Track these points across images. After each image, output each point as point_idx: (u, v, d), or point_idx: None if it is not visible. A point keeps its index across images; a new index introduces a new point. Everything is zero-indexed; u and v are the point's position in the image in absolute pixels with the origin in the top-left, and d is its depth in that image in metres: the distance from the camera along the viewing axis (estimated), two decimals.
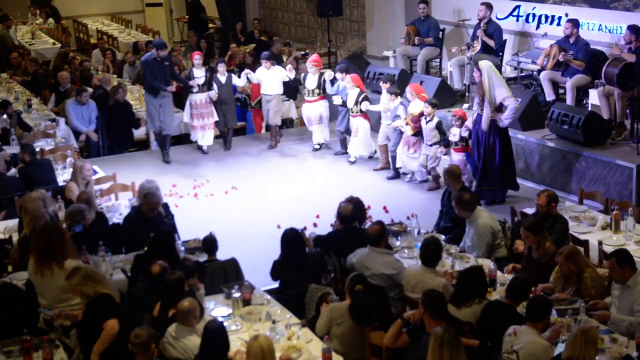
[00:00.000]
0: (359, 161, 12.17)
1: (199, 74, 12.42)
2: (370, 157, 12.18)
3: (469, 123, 10.37)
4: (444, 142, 10.63)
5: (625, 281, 6.41)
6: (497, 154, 10.08)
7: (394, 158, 11.47)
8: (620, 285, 6.48)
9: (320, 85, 12.36)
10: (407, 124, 10.95)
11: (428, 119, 10.69)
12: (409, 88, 11.15)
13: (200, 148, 12.92)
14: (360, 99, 11.70)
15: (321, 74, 12.42)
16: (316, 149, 12.88)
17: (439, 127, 10.69)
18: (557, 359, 5.63)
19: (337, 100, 12.09)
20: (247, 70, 13.01)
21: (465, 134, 10.38)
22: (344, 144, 12.51)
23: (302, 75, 12.68)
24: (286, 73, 12.69)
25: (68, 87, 13.75)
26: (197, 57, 12.56)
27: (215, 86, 12.50)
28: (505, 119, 9.93)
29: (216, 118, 12.66)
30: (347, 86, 11.84)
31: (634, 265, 6.46)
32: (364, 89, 11.99)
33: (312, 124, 12.69)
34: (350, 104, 11.85)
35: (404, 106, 11.17)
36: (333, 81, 12.17)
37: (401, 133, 11.15)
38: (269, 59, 12.79)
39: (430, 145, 10.78)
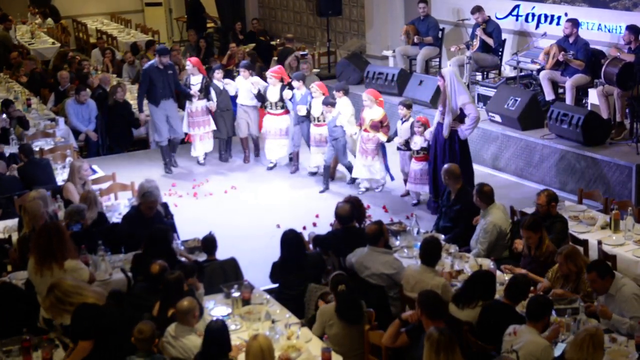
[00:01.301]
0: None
1: (196, 81, 12.05)
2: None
3: (427, 134, 9.99)
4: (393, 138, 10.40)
5: (607, 291, 6.41)
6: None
7: (327, 169, 11.09)
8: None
9: (282, 97, 11.73)
10: (364, 130, 10.61)
11: (404, 120, 10.48)
12: (367, 94, 10.71)
13: (198, 162, 12.45)
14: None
15: (283, 86, 11.72)
16: (270, 168, 12.15)
17: (412, 127, 10.33)
18: (559, 359, 5.64)
19: (302, 111, 11.38)
20: (226, 81, 12.33)
21: (424, 144, 10.08)
22: (297, 158, 11.94)
23: (264, 87, 11.92)
24: (250, 88, 11.97)
25: (67, 86, 13.75)
26: (189, 64, 12.12)
27: (213, 94, 12.11)
28: (466, 129, 9.63)
29: (213, 127, 12.23)
30: (315, 95, 11.25)
31: (613, 273, 6.46)
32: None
33: (272, 137, 11.93)
34: (316, 112, 11.28)
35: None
36: (292, 98, 11.56)
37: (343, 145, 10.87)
38: (248, 68, 12.18)
39: (401, 149, 10.56)
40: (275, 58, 16.49)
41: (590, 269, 6.46)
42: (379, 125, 10.53)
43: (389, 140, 10.61)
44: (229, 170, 12.19)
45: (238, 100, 12.31)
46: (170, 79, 11.92)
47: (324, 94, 11.23)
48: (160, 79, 11.82)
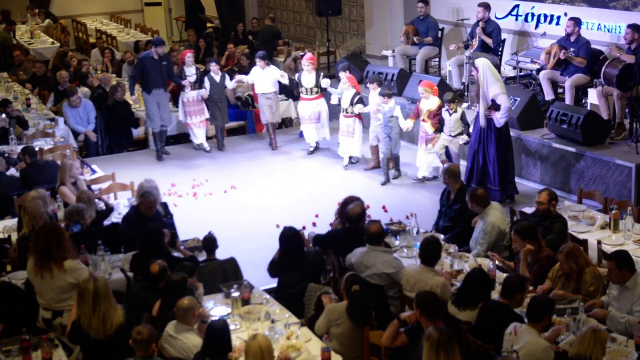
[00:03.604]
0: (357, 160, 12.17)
1: (191, 72, 12.54)
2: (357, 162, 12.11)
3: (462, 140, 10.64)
4: (467, 132, 10.66)
5: (624, 282, 6.42)
6: (496, 155, 10.03)
7: (386, 161, 11.38)
8: (619, 286, 6.48)
9: (318, 84, 12.32)
10: (423, 120, 11.03)
11: (452, 111, 10.75)
12: (422, 86, 11.08)
13: (197, 148, 12.95)
14: (356, 100, 11.64)
15: (317, 73, 12.39)
16: (311, 152, 12.75)
17: (463, 118, 10.76)
18: (563, 355, 5.63)
19: (334, 100, 12.08)
20: (239, 77, 13.02)
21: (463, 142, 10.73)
22: None
23: (297, 75, 12.63)
24: (279, 78, 12.67)
25: (67, 86, 13.73)
26: (190, 55, 12.71)
27: (208, 84, 12.58)
28: (500, 118, 9.91)
29: (207, 116, 12.75)
30: (344, 87, 11.79)
31: (633, 267, 6.45)
32: (360, 90, 11.93)
33: (308, 123, 12.55)
34: (345, 104, 11.76)
35: (400, 106, 11.32)
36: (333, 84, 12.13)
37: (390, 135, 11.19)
38: (264, 58, 12.73)
39: (454, 137, 10.81)
40: (277, 58, 16.57)
41: (610, 258, 6.52)
42: (433, 115, 10.91)
43: (436, 131, 10.97)
44: (229, 170, 12.20)
45: (257, 90, 12.86)
46: (164, 69, 12.41)
47: (353, 87, 11.74)
48: (155, 69, 12.31)
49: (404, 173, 11.56)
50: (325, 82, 12.23)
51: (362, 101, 11.71)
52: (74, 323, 6.11)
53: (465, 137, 10.68)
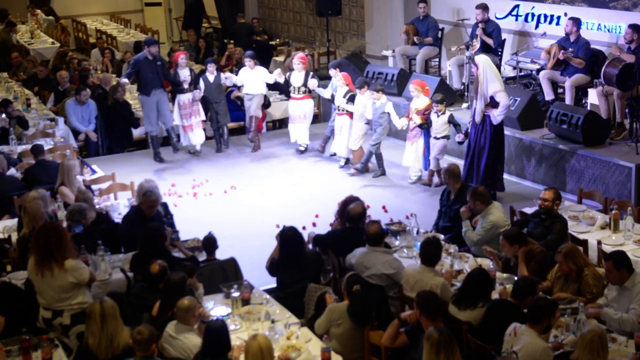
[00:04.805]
0: None
1: (184, 74, 12.42)
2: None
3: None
4: (461, 131, 10.64)
5: (622, 283, 6.41)
6: (487, 151, 10.04)
7: (369, 152, 11.46)
8: (617, 287, 6.48)
9: (306, 84, 12.30)
10: (410, 119, 11.03)
11: (440, 113, 10.76)
12: (413, 84, 11.15)
13: (189, 151, 12.87)
14: (347, 97, 11.64)
15: (307, 72, 12.38)
16: (302, 151, 12.74)
17: (451, 120, 10.76)
18: (564, 356, 5.62)
19: (326, 94, 12.09)
20: (227, 74, 12.89)
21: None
22: (326, 143, 12.41)
23: (287, 74, 12.62)
24: (275, 77, 12.58)
25: (67, 86, 13.74)
26: (182, 57, 12.57)
27: (202, 84, 12.53)
28: (497, 115, 9.90)
29: (203, 117, 12.67)
30: (338, 84, 11.78)
31: (631, 267, 6.44)
32: (353, 89, 11.81)
33: (297, 122, 12.54)
34: (338, 101, 11.77)
35: (391, 102, 11.39)
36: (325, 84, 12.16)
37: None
38: (253, 58, 12.65)
39: (438, 139, 10.84)
40: (277, 58, 16.59)
41: (607, 258, 6.51)
42: (422, 113, 10.94)
43: (421, 126, 10.98)
44: (229, 170, 12.20)
45: (244, 90, 12.76)
46: (159, 69, 12.30)
47: (346, 85, 11.72)
48: (150, 70, 12.19)
49: (404, 172, 11.56)
50: (312, 83, 12.22)
51: (352, 99, 11.68)
52: (79, 346, 6.05)
53: (461, 135, 10.59)
